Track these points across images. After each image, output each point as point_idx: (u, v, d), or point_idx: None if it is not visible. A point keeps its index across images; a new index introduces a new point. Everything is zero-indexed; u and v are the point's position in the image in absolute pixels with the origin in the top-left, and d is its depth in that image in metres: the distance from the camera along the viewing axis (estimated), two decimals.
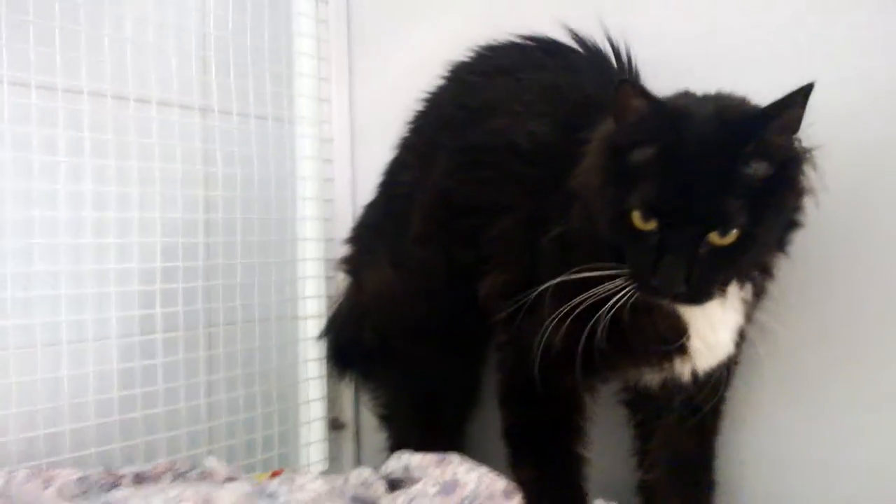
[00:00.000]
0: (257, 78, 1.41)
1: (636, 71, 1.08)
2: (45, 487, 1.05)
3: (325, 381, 1.48)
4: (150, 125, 1.26)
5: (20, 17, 1.11)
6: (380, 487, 1.03)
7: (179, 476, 1.16)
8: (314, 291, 1.50)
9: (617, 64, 1.07)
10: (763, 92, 0.84)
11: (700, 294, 0.82)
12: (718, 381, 0.98)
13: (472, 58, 1.16)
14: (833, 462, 1.04)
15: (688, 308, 0.89)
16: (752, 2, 1.09)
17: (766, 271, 0.93)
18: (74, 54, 1.16)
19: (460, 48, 1.28)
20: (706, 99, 0.88)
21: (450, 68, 1.18)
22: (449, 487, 0.98)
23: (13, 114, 1.12)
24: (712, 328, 0.92)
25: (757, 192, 0.79)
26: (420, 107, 1.22)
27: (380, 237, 1.23)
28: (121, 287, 1.22)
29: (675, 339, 0.91)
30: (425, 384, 1.21)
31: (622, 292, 0.83)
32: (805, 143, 0.84)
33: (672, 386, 0.98)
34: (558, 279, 0.88)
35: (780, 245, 0.89)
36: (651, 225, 0.81)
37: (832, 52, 1.01)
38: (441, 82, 1.19)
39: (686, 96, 0.90)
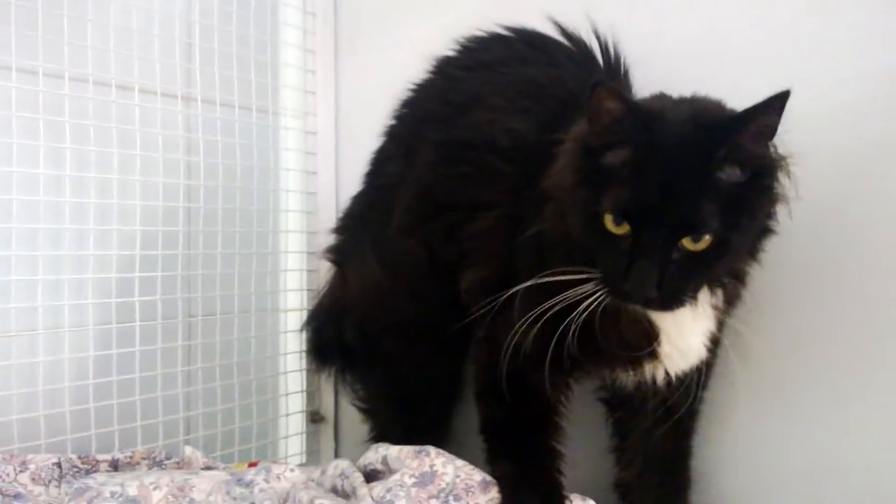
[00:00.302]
0: (242, 68, 1.40)
1: (625, 68, 1.08)
2: (20, 472, 1.04)
3: (304, 374, 1.48)
4: (132, 112, 1.25)
5: (3, 1, 1.10)
6: (357, 479, 1.03)
7: (156, 464, 1.16)
8: (296, 284, 1.50)
9: (604, 60, 1.06)
10: (757, 92, 0.81)
11: (672, 300, 0.81)
12: (692, 384, 0.98)
13: (457, 51, 1.15)
14: (808, 461, 1.04)
15: (658, 314, 0.88)
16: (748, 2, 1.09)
17: (738, 278, 0.93)
18: (57, 38, 1.16)
19: (448, 43, 1.29)
20: (682, 102, 0.88)
21: (435, 61, 1.17)
22: (426, 479, 0.98)
23: None
24: (682, 334, 0.91)
25: (730, 197, 0.79)
26: (406, 98, 1.21)
27: (365, 228, 1.22)
28: (99, 274, 1.21)
29: (645, 345, 0.91)
30: (408, 380, 1.21)
31: (594, 296, 0.82)
32: (780, 150, 0.83)
33: (646, 388, 0.98)
34: (529, 282, 0.88)
35: (752, 252, 0.89)
36: (623, 229, 0.80)
37: (827, 53, 1.01)
38: (427, 75, 1.18)
39: (661, 99, 0.89)
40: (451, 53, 1.15)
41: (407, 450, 1.03)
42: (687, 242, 0.78)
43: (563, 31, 1.09)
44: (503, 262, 0.98)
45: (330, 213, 1.53)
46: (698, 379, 0.98)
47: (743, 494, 1.09)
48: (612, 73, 1.06)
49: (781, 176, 0.83)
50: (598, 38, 1.07)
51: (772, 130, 0.80)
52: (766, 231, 0.87)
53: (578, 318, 0.84)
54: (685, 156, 0.79)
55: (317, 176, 1.54)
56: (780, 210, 0.86)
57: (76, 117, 1.18)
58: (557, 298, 0.84)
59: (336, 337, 1.27)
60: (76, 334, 1.19)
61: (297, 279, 1.50)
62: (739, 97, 0.85)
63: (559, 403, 1.00)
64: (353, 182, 1.45)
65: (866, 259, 0.99)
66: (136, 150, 1.25)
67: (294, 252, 1.51)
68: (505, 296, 0.92)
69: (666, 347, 0.91)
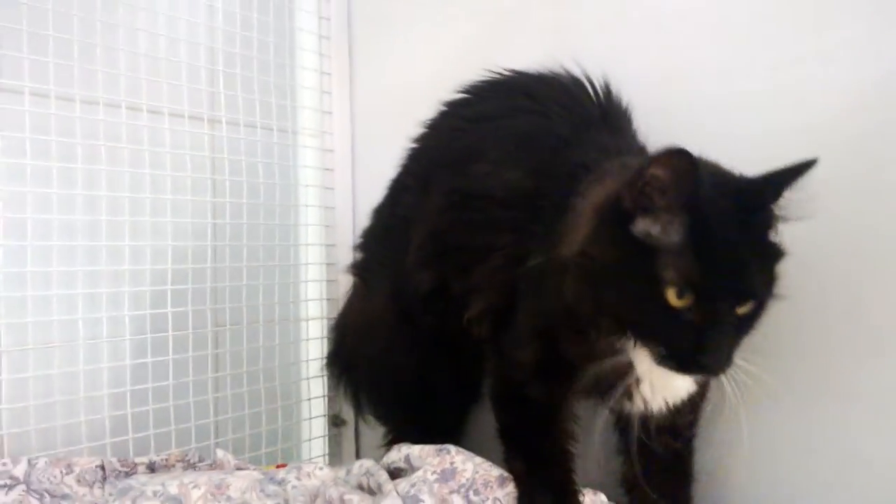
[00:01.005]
0: (263, 91, 1.48)
1: (626, 109, 1.13)
2: (66, 474, 1.11)
3: (326, 379, 1.54)
4: (163, 135, 1.33)
5: (40, 30, 1.17)
6: (382, 476, 1.09)
7: (190, 466, 1.22)
8: (316, 294, 1.57)
9: (597, 102, 1.11)
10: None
11: (729, 363, 0.83)
12: (687, 409, 1.03)
13: (461, 100, 1.20)
14: (810, 457, 1.09)
15: (640, 363, 0.90)
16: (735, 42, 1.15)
17: None
18: (91, 66, 1.23)
19: (457, 64, 1.35)
20: (702, 166, 0.88)
21: (443, 107, 1.23)
22: (447, 475, 1.04)
23: (33, 123, 1.18)
24: (664, 377, 0.94)
25: (764, 259, 0.84)
26: (418, 136, 1.27)
27: (384, 251, 1.29)
28: (134, 287, 1.28)
29: (619, 383, 0.94)
30: (424, 389, 1.26)
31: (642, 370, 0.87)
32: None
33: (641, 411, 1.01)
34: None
35: None
36: (686, 301, 0.80)
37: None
38: (437, 116, 1.24)
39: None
40: (456, 99, 1.20)
41: (428, 448, 1.09)
42: (739, 308, 0.81)
43: (556, 74, 1.13)
44: (507, 290, 1.03)
45: (347, 227, 1.61)
46: (692, 405, 1.03)
47: (746, 491, 1.15)
48: (606, 113, 1.10)
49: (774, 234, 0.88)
50: (589, 80, 1.12)
51: (783, 192, 0.85)
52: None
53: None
54: (733, 223, 0.81)
55: (334, 191, 1.61)
56: None
57: (109, 141, 1.26)
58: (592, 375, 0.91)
59: (353, 349, 1.35)
60: (113, 344, 1.26)
61: (317, 289, 1.57)
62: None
63: (566, 410, 1.05)
64: (369, 195, 1.51)
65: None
66: (166, 171, 1.32)
67: (314, 264, 1.58)
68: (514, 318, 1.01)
69: (644, 388, 0.96)
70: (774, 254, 0.86)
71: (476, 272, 1.06)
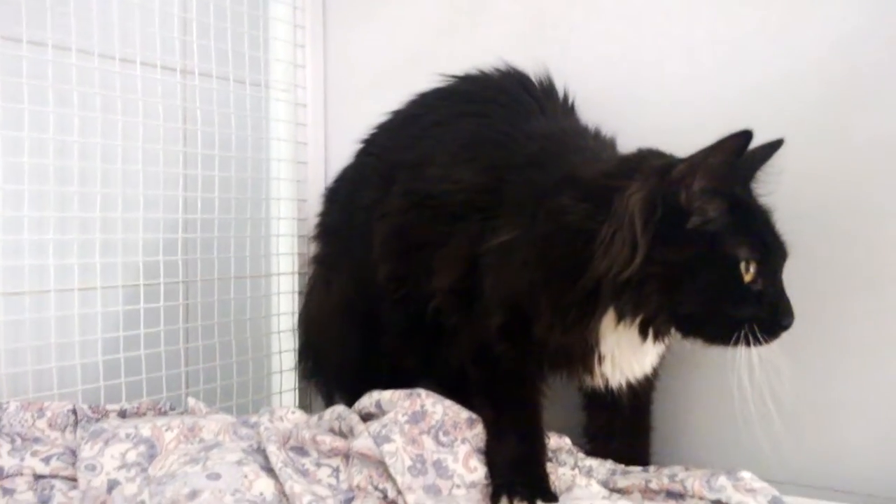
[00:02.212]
0: (236, 42, 1.47)
1: (571, 103, 1.22)
2: (37, 418, 1.11)
3: (296, 333, 1.55)
4: (134, 83, 1.31)
5: None
6: (353, 419, 1.11)
7: (162, 414, 1.23)
8: (287, 249, 1.57)
9: (535, 96, 1.18)
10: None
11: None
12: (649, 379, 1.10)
13: (413, 107, 1.27)
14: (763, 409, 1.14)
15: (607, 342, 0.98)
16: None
17: None
18: (64, 10, 1.21)
19: (433, 21, 1.37)
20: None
21: (397, 113, 1.29)
22: (418, 417, 1.06)
23: (4, 66, 1.16)
24: (630, 356, 1.01)
25: None
26: (378, 133, 1.32)
27: (345, 247, 1.32)
28: (104, 235, 1.28)
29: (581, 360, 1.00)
30: (395, 382, 1.22)
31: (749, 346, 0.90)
32: None
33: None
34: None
35: None
36: (752, 275, 0.88)
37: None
38: (396, 120, 1.30)
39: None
40: (409, 106, 1.28)
41: (399, 393, 1.11)
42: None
43: (495, 75, 1.22)
44: (467, 269, 1.07)
45: (319, 182, 1.61)
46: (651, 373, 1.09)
47: (703, 442, 1.20)
48: (544, 104, 1.18)
49: None
50: (525, 77, 1.21)
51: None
52: None
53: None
54: (751, 195, 0.95)
55: (307, 147, 1.61)
56: None
57: (82, 86, 1.24)
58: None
59: (320, 344, 1.39)
60: (84, 292, 1.25)
61: (288, 244, 1.58)
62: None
63: (533, 367, 1.08)
64: (341, 151, 1.52)
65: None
66: (138, 118, 1.31)
67: (285, 219, 1.58)
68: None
69: (608, 367, 1.01)
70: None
71: (437, 257, 1.10)
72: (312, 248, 1.46)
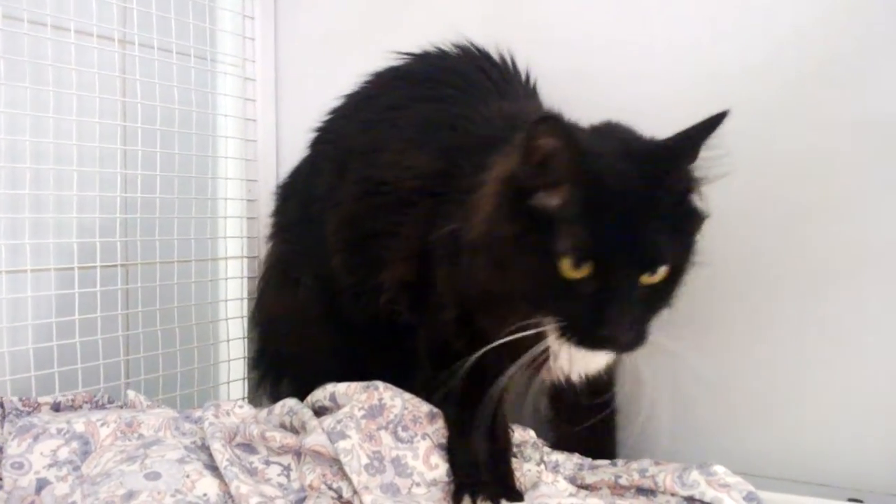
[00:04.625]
0: (179, 11, 1.38)
1: (526, 77, 1.17)
2: None
3: (245, 321, 1.47)
4: (68, 52, 1.21)
5: None
6: (306, 414, 1.04)
7: (99, 408, 1.15)
8: (236, 231, 1.49)
9: (492, 76, 1.13)
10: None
11: (640, 339, 0.81)
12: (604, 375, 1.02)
13: (367, 89, 1.22)
14: (728, 394, 1.12)
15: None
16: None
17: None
18: None
19: None
20: (608, 133, 0.90)
21: (351, 96, 1.24)
22: (375, 411, 1.00)
23: None
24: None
25: (675, 225, 0.81)
26: (330, 121, 1.26)
27: (303, 244, 1.25)
28: (35, 214, 1.19)
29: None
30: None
31: (556, 344, 0.83)
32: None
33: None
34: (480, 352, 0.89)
35: None
36: (583, 272, 0.78)
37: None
38: (348, 105, 1.24)
39: (593, 131, 0.91)
40: (365, 89, 1.22)
41: (355, 385, 1.05)
42: (645, 277, 0.79)
43: (451, 54, 1.18)
44: (416, 263, 1.02)
45: (270, 162, 1.54)
46: (610, 369, 1.03)
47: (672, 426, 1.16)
48: (501, 85, 1.13)
49: (696, 197, 0.86)
50: (486, 54, 1.16)
51: (698, 153, 0.83)
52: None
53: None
54: (635, 189, 0.79)
55: (256, 124, 1.53)
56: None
57: (9, 54, 1.15)
58: (523, 360, 0.86)
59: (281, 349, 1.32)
60: (12, 275, 1.16)
61: (237, 226, 1.50)
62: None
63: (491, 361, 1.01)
64: (293, 129, 1.46)
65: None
66: (71, 91, 1.21)
67: (234, 199, 1.50)
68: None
69: (563, 363, 0.94)
70: (691, 218, 0.84)
71: (387, 248, 1.06)
72: (268, 248, 1.37)
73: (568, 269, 0.78)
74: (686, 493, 0.93)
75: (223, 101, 1.50)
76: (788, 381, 1.10)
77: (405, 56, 1.20)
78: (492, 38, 1.18)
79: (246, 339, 1.47)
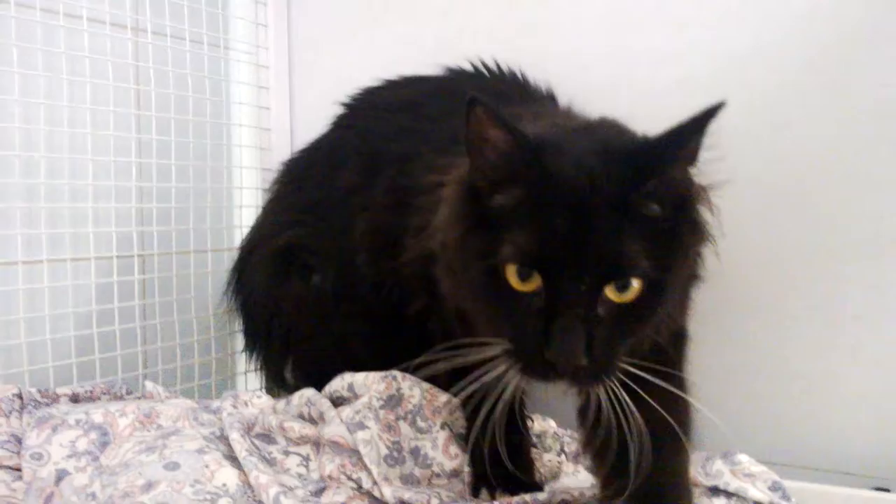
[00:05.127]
0: None
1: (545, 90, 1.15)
2: None
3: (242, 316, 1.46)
4: (81, 40, 1.20)
5: None
6: (324, 404, 1.03)
7: (117, 399, 1.15)
8: (251, 220, 1.47)
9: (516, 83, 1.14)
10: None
11: (604, 369, 0.67)
12: None
13: (406, 91, 1.19)
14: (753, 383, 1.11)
15: None
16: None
17: (679, 336, 0.84)
18: None
19: None
20: (585, 128, 0.82)
21: (387, 89, 1.22)
22: (393, 401, 0.99)
23: None
24: None
25: (658, 233, 0.68)
26: (364, 102, 1.23)
27: (328, 234, 1.20)
28: (50, 203, 1.18)
29: None
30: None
31: (507, 374, 0.70)
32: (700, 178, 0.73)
33: None
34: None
35: (682, 305, 0.80)
36: (532, 284, 0.67)
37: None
38: (385, 91, 1.22)
39: (559, 125, 0.82)
40: (407, 90, 1.20)
41: (373, 376, 1.04)
42: (612, 293, 0.66)
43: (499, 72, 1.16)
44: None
45: (284, 150, 1.51)
46: None
47: None
48: (520, 90, 1.12)
49: (703, 210, 0.73)
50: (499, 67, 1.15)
51: (695, 154, 0.69)
52: (693, 277, 0.78)
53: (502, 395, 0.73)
54: (600, 190, 0.66)
55: (270, 112, 1.52)
56: (707, 251, 0.78)
57: (23, 43, 1.14)
58: (471, 381, 0.73)
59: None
60: (29, 266, 1.16)
61: (251, 216, 1.48)
62: None
63: None
64: (306, 117, 1.44)
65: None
66: (85, 79, 1.20)
67: (249, 188, 1.49)
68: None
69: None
70: (686, 230, 0.71)
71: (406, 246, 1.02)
72: (269, 222, 1.31)
73: (514, 279, 0.68)
74: (710, 483, 0.92)
75: (237, 88, 1.49)
76: (813, 369, 1.09)
77: (444, 70, 1.19)
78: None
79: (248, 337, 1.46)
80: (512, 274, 0.67)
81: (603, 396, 0.69)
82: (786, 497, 0.91)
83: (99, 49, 1.23)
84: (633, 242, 0.66)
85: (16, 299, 1.14)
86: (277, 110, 1.53)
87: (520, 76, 1.16)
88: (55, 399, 1.09)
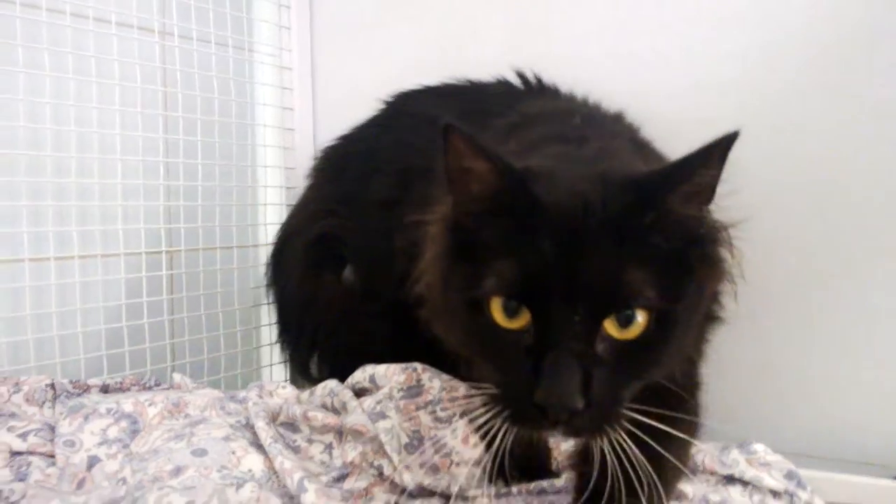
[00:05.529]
0: (217, 1, 1.40)
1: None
2: (13, 392, 1.05)
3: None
4: (110, 44, 1.24)
5: None
6: (346, 394, 1.06)
7: (146, 390, 1.18)
8: (275, 219, 1.51)
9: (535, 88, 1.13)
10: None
11: (607, 414, 0.60)
12: None
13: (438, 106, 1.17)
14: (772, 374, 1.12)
15: None
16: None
17: (691, 381, 0.77)
18: None
19: None
20: (582, 152, 0.75)
21: (426, 93, 1.22)
22: (414, 392, 1.02)
23: None
24: None
25: (665, 260, 0.61)
26: (405, 107, 1.24)
27: (355, 224, 1.22)
28: (81, 202, 1.22)
29: None
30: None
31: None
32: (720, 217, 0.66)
33: None
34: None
35: (697, 345, 0.74)
36: (521, 321, 0.60)
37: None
38: (426, 97, 1.22)
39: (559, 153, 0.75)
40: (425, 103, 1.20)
41: (394, 367, 1.07)
42: (613, 328, 0.59)
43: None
44: None
45: (307, 149, 1.55)
46: None
47: None
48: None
49: (723, 251, 0.66)
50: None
51: (710, 190, 0.63)
52: (711, 319, 0.73)
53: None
54: (592, 214, 0.60)
55: (293, 112, 1.55)
56: (725, 292, 0.72)
57: (53, 50, 1.17)
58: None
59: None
60: (61, 262, 1.19)
61: (276, 214, 1.52)
62: None
63: None
64: (329, 118, 1.47)
65: None
66: (114, 81, 1.24)
67: (273, 187, 1.52)
68: None
69: None
70: (685, 258, 0.63)
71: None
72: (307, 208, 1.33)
73: (500, 316, 0.61)
74: (726, 472, 0.93)
75: (261, 90, 1.52)
76: (834, 362, 1.09)
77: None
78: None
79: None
80: (497, 310, 0.61)
81: (606, 447, 0.61)
82: (801, 485, 0.92)
83: (127, 52, 1.26)
84: (635, 269, 0.59)
85: (48, 294, 1.18)
86: (300, 111, 1.56)
87: (552, 87, 1.14)
88: (86, 389, 1.12)
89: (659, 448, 0.62)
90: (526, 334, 0.60)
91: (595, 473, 0.69)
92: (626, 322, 0.59)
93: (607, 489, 0.67)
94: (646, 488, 0.64)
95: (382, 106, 1.28)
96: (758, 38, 1.11)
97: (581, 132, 0.82)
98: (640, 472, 0.62)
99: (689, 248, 0.62)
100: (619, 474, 0.63)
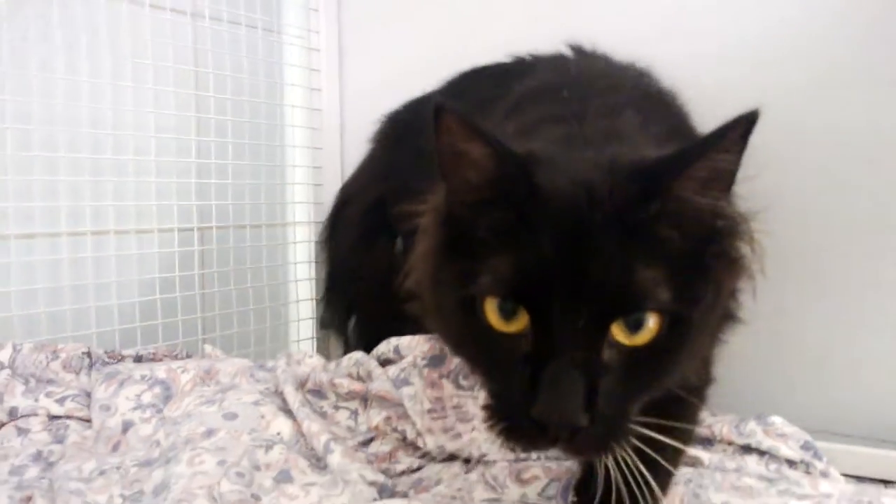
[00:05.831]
0: None
1: None
2: (51, 360, 1.10)
3: (314, 283, 1.53)
4: (143, 25, 1.27)
5: None
6: (372, 364, 1.09)
7: (178, 360, 1.22)
8: (303, 197, 1.54)
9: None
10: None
11: (613, 431, 0.54)
12: None
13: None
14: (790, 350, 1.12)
15: None
16: None
17: (702, 381, 0.73)
18: None
19: None
20: (594, 138, 0.67)
21: (480, 73, 1.18)
22: (437, 361, 1.04)
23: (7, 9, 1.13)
24: None
25: (680, 258, 0.54)
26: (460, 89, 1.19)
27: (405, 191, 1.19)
28: (117, 178, 1.26)
29: None
30: None
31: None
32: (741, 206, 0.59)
33: None
34: None
35: (711, 343, 0.68)
36: (518, 324, 0.54)
37: None
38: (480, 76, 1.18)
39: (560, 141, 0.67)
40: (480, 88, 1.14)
41: (418, 338, 1.09)
42: (622, 333, 0.53)
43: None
44: None
45: (334, 130, 1.58)
46: None
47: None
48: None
49: (743, 246, 0.59)
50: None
51: (728, 174, 0.55)
52: (728, 318, 0.66)
53: None
54: (598, 206, 0.54)
55: (321, 93, 1.57)
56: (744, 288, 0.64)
57: (89, 29, 1.21)
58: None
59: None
60: (97, 236, 1.23)
61: (304, 193, 1.55)
62: None
63: None
64: (357, 98, 1.49)
65: None
66: (147, 61, 1.27)
67: (301, 166, 1.55)
68: None
69: None
70: (702, 255, 0.56)
71: None
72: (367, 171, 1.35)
73: (496, 318, 0.55)
74: (743, 441, 0.95)
75: (289, 71, 1.55)
76: (853, 338, 1.09)
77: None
78: None
79: (314, 301, 1.52)
80: (493, 311, 0.55)
81: (611, 465, 0.56)
82: (818, 456, 0.93)
83: (160, 34, 1.30)
84: (646, 268, 0.52)
85: (84, 267, 1.22)
86: (328, 92, 1.58)
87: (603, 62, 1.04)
88: (120, 359, 1.16)
89: (656, 456, 0.59)
90: (523, 339, 0.54)
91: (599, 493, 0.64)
92: (635, 326, 0.53)
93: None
94: (646, 495, 0.62)
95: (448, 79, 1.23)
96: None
97: (578, 107, 0.75)
98: (639, 482, 0.57)
99: (705, 243, 0.56)
100: (622, 487, 0.59)
